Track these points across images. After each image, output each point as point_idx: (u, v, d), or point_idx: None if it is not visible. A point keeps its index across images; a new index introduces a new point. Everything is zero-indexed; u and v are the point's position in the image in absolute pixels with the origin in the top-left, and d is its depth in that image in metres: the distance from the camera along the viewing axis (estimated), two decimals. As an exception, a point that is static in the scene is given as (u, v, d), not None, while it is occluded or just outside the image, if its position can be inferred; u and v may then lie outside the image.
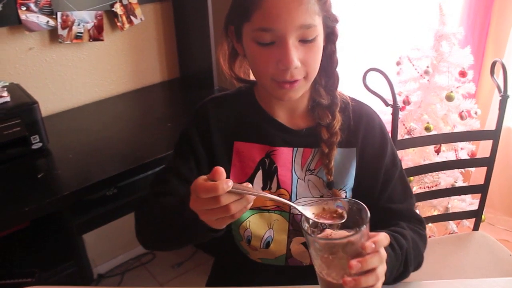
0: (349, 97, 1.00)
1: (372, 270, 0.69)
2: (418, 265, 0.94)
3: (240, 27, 0.87)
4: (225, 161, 0.96)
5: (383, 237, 0.71)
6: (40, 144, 1.45)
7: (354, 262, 0.67)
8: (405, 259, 0.87)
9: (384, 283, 0.79)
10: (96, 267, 2.21)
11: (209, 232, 0.75)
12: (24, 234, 1.49)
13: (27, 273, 1.31)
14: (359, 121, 0.98)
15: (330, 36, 0.92)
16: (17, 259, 1.42)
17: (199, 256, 2.33)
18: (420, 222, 0.99)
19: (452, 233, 2.04)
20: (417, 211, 1.09)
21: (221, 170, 0.68)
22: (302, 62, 0.84)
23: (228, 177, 0.86)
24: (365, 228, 0.68)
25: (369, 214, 0.69)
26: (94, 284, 2.17)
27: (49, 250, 1.47)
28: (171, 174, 0.95)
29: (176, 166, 0.96)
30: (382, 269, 0.71)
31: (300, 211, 0.73)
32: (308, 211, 0.74)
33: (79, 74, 1.88)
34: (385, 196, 0.97)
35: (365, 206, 0.71)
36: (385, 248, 0.74)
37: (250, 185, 0.72)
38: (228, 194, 0.67)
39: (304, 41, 0.83)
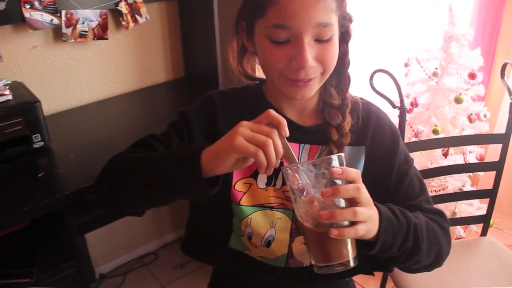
0: (358, 97, 0.98)
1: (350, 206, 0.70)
2: (438, 255, 0.90)
3: (252, 22, 0.85)
4: None
5: (352, 169, 0.72)
6: (42, 143, 1.44)
7: (325, 189, 0.69)
8: (415, 234, 0.83)
9: (392, 254, 0.81)
10: (98, 267, 2.20)
11: (202, 183, 0.74)
12: (24, 233, 1.49)
13: (25, 273, 1.30)
14: (368, 119, 0.96)
15: (344, 36, 0.90)
16: (17, 259, 1.41)
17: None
18: (439, 215, 0.95)
19: (459, 238, 2.01)
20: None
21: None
22: (317, 60, 0.82)
23: (232, 170, 0.84)
24: (335, 159, 0.70)
25: (343, 155, 0.72)
26: (96, 284, 2.17)
27: (50, 250, 1.46)
28: (158, 142, 0.91)
29: (166, 136, 0.92)
30: (364, 210, 0.71)
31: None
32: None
33: (83, 73, 1.87)
34: (400, 193, 0.95)
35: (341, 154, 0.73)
36: (383, 210, 0.77)
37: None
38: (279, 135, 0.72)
39: (320, 39, 0.81)
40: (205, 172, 0.74)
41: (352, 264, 0.72)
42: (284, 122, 0.73)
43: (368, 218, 0.72)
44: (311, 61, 0.80)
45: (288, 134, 0.73)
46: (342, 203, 0.71)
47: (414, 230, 0.83)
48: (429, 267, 0.93)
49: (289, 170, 0.72)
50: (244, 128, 0.72)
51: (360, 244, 0.77)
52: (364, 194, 0.72)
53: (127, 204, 0.88)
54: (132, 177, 0.82)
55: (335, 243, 0.71)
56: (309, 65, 0.80)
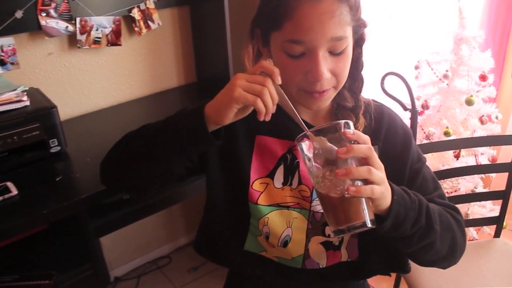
0: (371, 99, 1.00)
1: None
2: (453, 244, 0.90)
3: (268, 33, 0.87)
4: (247, 154, 0.96)
5: (363, 136, 0.76)
6: (59, 148, 1.47)
7: (341, 149, 0.72)
8: (427, 214, 0.84)
9: (405, 233, 0.81)
10: (113, 270, 2.23)
11: (208, 134, 0.79)
12: (42, 236, 1.51)
13: (45, 275, 1.32)
14: (380, 120, 0.97)
15: (358, 41, 0.91)
16: (35, 261, 1.44)
17: (215, 260, 2.33)
18: (453, 209, 0.95)
19: (472, 240, 2.00)
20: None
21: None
22: (332, 73, 0.84)
23: (249, 170, 0.93)
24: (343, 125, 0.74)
25: (351, 122, 0.76)
26: (111, 287, 2.19)
27: (67, 253, 1.48)
28: None
29: None
30: (378, 172, 0.74)
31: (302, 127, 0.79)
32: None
33: (97, 79, 1.90)
34: (413, 190, 0.94)
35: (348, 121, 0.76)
36: (395, 186, 0.79)
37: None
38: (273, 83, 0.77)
39: (335, 52, 0.82)
40: (209, 125, 0.80)
41: (369, 224, 0.74)
42: (277, 70, 0.78)
43: (382, 181, 0.75)
44: (326, 73, 0.82)
45: (280, 81, 0.78)
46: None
47: (427, 210, 0.84)
48: (444, 260, 0.93)
49: (303, 140, 0.76)
50: (241, 80, 0.77)
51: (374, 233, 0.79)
52: (377, 162, 0.76)
53: (130, 174, 0.91)
54: (137, 141, 0.89)
55: (352, 204, 0.74)
56: (325, 78, 0.82)
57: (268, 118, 0.78)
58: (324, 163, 0.75)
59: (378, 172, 0.74)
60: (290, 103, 0.81)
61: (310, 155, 0.76)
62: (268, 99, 0.76)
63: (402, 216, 0.80)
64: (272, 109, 0.78)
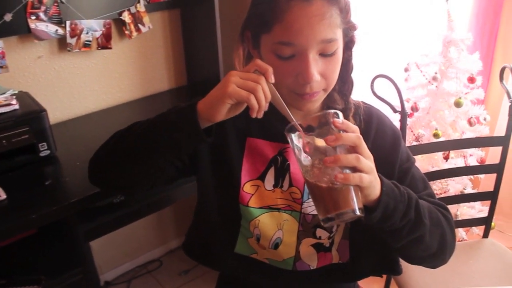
0: (361, 101, 1.01)
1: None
2: (442, 240, 0.90)
3: (258, 35, 0.87)
4: (238, 156, 0.96)
5: (352, 126, 0.76)
6: (48, 152, 1.46)
7: (329, 137, 0.73)
8: (416, 207, 0.84)
9: (395, 225, 0.81)
10: (103, 274, 2.21)
11: (200, 131, 0.80)
12: (31, 241, 1.50)
13: (33, 280, 1.31)
14: (370, 122, 0.98)
15: (348, 44, 0.92)
16: (24, 266, 1.43)
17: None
18: (443, 207, 0.96)
19: (461, 241, 2.02)
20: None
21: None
22: (322, 75, 0.84)
23: (240, 172, 0.93)
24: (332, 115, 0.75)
25: (339, 113, 0.76)
26: (101, 291, 2.18)
27: (56, 257, 1.47)
28: None
29: None
30: (367, 161, 0.74)
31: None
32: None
33: (87, 82, 1.89)
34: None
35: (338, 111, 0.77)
36: (384, 178, 0.80)
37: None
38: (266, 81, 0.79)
39: (325, 54, 0.83)
40: (201, 122, 0.80)
41: (358, 212, 0.74)
42: (271, 69, 0.79)
43: (370, 170, 0.75)
44: (316, 75, 0.82)
45: (273, 80, 0.79)
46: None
47: (416, 204, 0.84)
48: (434, 258, 0.93)
49: (292, 131, 0.77)
50: (235, 76, 0.78)
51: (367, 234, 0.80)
52: (366, 151, 0.76)
53: (120, 171, 0.90)
54: (128, 138, 0.89)
55: (341, 192, 0.74)
56: (314, 80, 0.82)
57: (260, 115, 0.79)
58: (313, 153, 0.76)
59: (367, 161, 0.75)
60: (282, 101, 0.82)
61: (300, 144, 0.77)
62: (261, 96, 0.77)
63: (391, 207, 0.80)
64: (265, 106, 0.79)
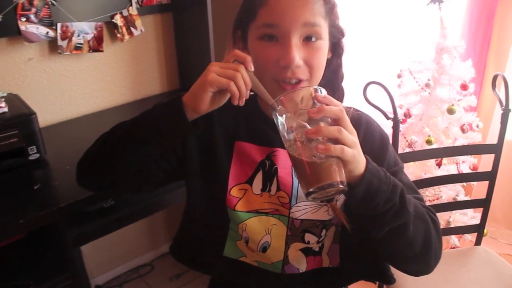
0: (351, 107, 1.00)
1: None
2: (427, 239, 0.87)
3: (246, 29, 0.90)
4: (226, 160, 0.96)
5: (334, 101, 0.76)
6: (37, 155, 1.44)
7: (312, 109, 0.73)
8: (401, 194, 0.82)
9: (378, 209, 0.79)
10: (94, 278, 2.19)
11: (187, 121, 0.81)
12: (20, 245, 1.48)
13: (22, 285, 1.29)
14: (358, 126, 0.97)
15: (336, 49, 0.92)
16: (12, 271, 1.41)
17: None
18: (431, 211, 0.93)
19: (453, 248, 2.02)
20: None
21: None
22: (305, 62, 0.85)
23: (227, 175, 0.93)
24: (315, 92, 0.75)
25: (323, 89, 0.77)
26: (92, 296, 2.15)
27: (45, 262, 1.45)
28: None
29: None
30: (349, 135, 0.74)
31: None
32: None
33: (79, 85, 1.87)
34: None
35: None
36: (369, 158, 0.79)
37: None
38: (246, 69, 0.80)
39: (308, 40, 0.84)
40: (188, 114, 0.82)
41: (340, 185, 0.72)
42: (249, 58, 0.81)
43: (353, 144, 0.74)
44: (298, 59, 0.83)
45: (253, 68, 0.81)
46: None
47: (402, 192, 0.82)
48: (418, 260, 0.89)
49: (275, 105, 0.77)
50: (215, 66, 0.80)
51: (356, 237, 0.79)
52: (349, 125, 0.76)
53: (107, 169, 0.90)
54: (115, 134, 0.89)
55: (323, 165, 0.73)
56: (296, 63, 0.83)
57: (242, 103, 0.81)
58: (296, 127, 0.75)
59: (350, 135, 0.74)
60: (262, 86, 0.83)
61: (283, 119, 0.76)
62: (241, 83, 0.79)
63: (375, 186, 0.78)
64: (246, 93, 0.80)
